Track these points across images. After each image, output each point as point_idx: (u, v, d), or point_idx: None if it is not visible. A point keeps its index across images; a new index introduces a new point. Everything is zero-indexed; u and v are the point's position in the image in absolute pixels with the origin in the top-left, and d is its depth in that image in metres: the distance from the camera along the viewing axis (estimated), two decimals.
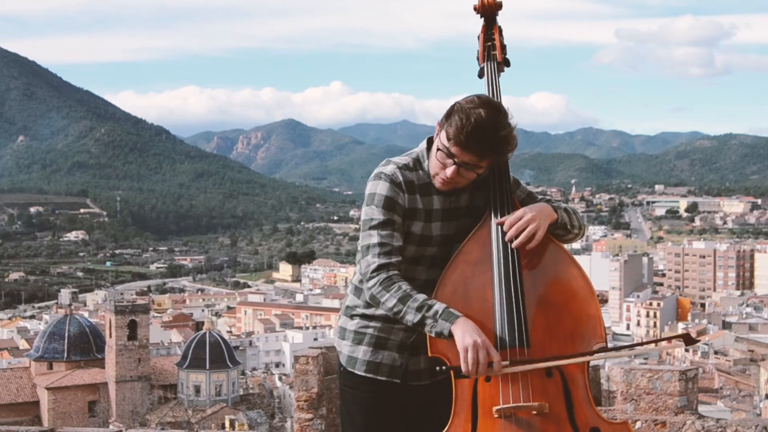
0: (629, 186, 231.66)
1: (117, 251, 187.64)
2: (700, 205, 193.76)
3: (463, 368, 2.68)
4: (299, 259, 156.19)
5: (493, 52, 3.19)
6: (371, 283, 2.83)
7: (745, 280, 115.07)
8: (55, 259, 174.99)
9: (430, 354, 2.84)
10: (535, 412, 2.76)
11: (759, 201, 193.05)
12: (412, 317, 2.75)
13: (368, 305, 2.99)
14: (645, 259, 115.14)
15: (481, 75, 3.21)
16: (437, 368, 2.78)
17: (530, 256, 2.92)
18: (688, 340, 2.73)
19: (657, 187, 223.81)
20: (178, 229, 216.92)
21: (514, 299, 2.84)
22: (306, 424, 6.31)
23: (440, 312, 2.73)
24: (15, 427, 6.25)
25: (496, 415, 2.78)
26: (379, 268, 2.82)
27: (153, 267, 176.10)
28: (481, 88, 3.16)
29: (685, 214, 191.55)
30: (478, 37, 3.23)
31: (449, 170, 2.85)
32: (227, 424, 40.24)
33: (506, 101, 3.01)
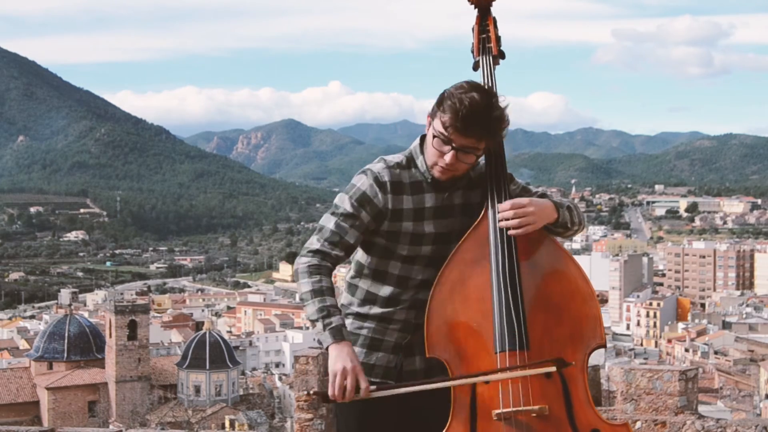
0: (629, 186, 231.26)
1: (117, 251, 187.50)
2: (700, 205, 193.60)
3: (330, 392, 2.71)
4: None
5: (488, 45, 3.11)
6: (302, 261, 2.83)
7: (745, 280, 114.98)
8: (55, 259, 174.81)
9: (427, 355, 2.82)
10: (534, 415, 2.73)
11: (759, 201, 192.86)
12: (310, 313, 2.78)
13: (362, 303, 2.99)
14: (645, 259, 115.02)
15: (476, 68, 3.13)
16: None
17: (529, 256, 2.88)
18: (560, 365, 2.73)
19: (657, 187, 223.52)
20: (178, 229, 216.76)
21: (512, 300, 2.80)
22: (306, 424, 6.30)
23: (332, 325, 2.73)
24: (15, 427, 6.26)
25: (496, 418, 2.74)
26: (316, 253, 2.82)
27: (153, 267, 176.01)
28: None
29: (685, 214, 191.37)
30: (473, 29, 3.16)
31: (448, 156, 2.80)
32: (227, 424, 40.26)
33: (505, 101, 2.95)
